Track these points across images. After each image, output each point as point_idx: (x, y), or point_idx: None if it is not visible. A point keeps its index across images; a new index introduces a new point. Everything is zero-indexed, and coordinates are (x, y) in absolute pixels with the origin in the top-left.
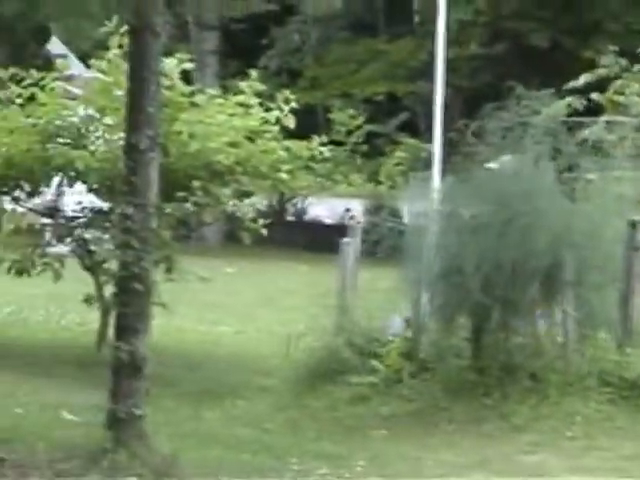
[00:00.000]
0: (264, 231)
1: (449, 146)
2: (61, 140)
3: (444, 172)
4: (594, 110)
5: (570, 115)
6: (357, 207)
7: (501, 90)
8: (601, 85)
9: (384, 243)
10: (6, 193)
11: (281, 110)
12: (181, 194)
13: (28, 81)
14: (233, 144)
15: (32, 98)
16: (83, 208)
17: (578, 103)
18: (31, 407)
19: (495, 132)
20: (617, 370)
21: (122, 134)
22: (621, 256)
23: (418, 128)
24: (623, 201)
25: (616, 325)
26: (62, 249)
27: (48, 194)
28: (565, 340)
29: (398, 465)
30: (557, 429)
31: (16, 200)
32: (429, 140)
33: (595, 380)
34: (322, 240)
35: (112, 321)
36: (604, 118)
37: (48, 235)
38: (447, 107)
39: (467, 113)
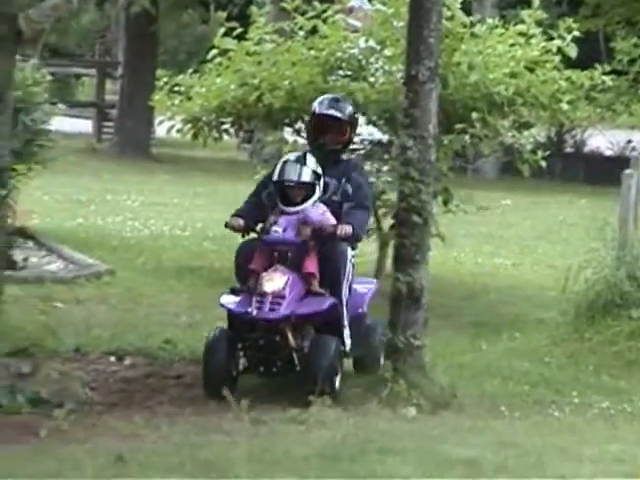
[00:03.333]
0: (543, 163)
1: None
2: (341, 72)
3: None
4: None
5: None
6: (639, 138)
7: None
8: None
9: None
10: (288, 125)
11: (563, 39)
12: (459, 126)
13: (311, 13)
14: (513, 75)
15: (314, 30)
16: (362, 140)
17: None
18: None
19: None
20: None
21: (402, 66)
22: None
23: None
24: None
25: None
26: None
27: None
28: None
29: None
30: None
31: (297, 132)
32: None
33: None
34: (602, 172)
35: (390, 252)
36: None
37: None
38: None
39: None
